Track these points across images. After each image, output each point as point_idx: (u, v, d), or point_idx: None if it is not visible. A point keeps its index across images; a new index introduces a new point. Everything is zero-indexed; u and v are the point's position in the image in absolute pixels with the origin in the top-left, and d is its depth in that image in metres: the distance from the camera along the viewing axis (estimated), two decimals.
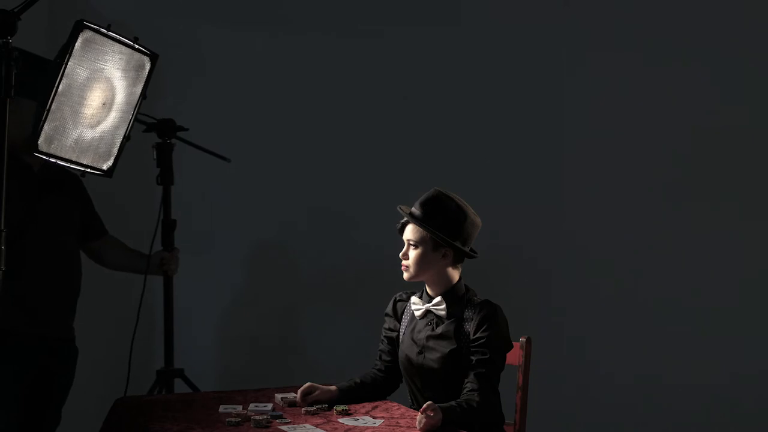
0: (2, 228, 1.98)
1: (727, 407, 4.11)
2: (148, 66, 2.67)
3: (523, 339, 2.83)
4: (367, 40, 4.15)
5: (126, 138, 2.68)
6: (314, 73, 4.17)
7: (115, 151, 2.67)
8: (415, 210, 2.69)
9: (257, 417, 2.42)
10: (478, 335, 2.61)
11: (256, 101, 4.16)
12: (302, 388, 2.70)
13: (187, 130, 3.47)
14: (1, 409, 2.81)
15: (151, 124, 3.40)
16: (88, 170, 2.60)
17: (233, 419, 2.44)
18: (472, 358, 2.60)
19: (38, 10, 2.20)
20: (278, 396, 2.74)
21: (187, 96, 4.00)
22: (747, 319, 4.20)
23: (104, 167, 2.66)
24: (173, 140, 3.45)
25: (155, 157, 3.42)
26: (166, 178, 3.43)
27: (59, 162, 2.50)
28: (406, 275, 2.72)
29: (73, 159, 2.52)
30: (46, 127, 2.37)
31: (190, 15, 4.11)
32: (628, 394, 4.12)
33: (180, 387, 3.43)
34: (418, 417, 2.35)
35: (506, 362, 2.70)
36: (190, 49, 4.04)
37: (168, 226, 3.43)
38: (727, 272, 4.21)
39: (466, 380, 2.59)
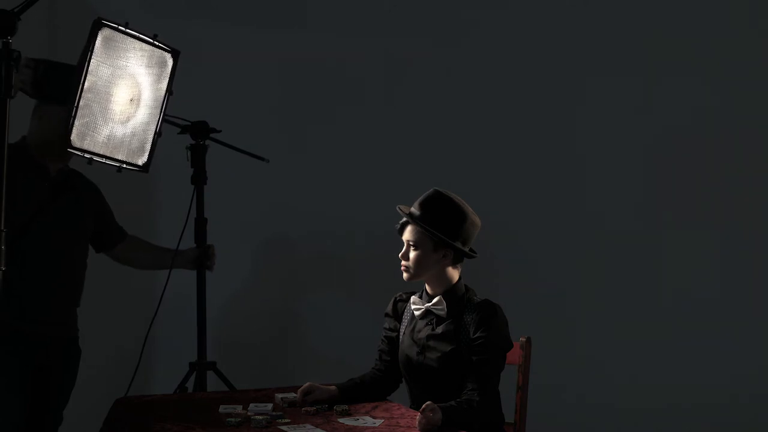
0: (2, 228, 1.98)
1: (728, 408, 4.11)
2: (170, 62, 2.70)
3: (523, 339, 2.83)
4: (371, 41, 4.17)
5: (157, 134, 2.71)
6: (310, 73, 4.17)
7: (148, 146, 2.69)
8: (415, 210, 2.69)
9: (257, 417, 2.42)
10: (477, 335, 2.61)
11: (257, 101, 4.16)
12: (302, 388, 2.70)
13: (220, 131, 3.53)
14: (0, 409, 2.81)
15: (185, 126, 3.45)
16: (124, 166, 2.63)
17: (233, 419, 2.44)
18: (472, 357, 2.60)
19: (38, 10, 2.21)
20: (278, 396, 2.74)
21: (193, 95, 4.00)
22: (749, 319, 4.20)
23: (139, 163, 2.69)
24: (206, 141, 3.51)
25: (188, 158, 3.49)
26: (199, 178, 3.51)
27: (94, 158, 2.51)
28: (406, 276, 2.72)
29: (107, 154, 2.55)
30: (77, 123, 2.40)
31: (188, 15, 4.10)
32: (627, 395, 4.12)
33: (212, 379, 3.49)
34: (418, 417, 2.35)
35: (506, 362, 2.70)
36: (190, 49, 4.03)
37: (201, 224, 3.52)
38: (728, 272, 4.21)
39: (466, 380, 2.59)
